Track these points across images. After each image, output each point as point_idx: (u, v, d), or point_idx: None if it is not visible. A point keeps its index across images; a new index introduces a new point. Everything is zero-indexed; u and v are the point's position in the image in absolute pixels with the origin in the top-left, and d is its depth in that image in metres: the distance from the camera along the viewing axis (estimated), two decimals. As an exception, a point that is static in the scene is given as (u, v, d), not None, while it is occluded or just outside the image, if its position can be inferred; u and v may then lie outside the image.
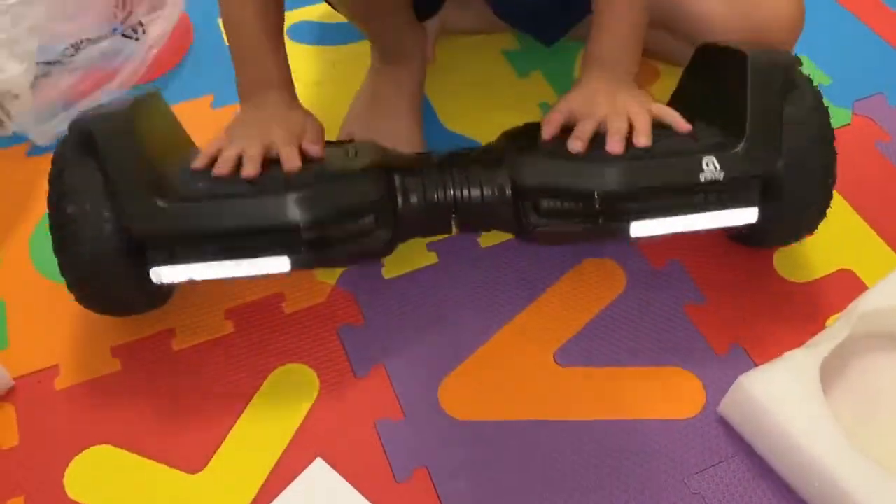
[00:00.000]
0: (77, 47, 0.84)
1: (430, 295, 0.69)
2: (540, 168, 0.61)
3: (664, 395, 0.63)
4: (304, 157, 0.62)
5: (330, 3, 0.79)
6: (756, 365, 0.63)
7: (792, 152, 0.59)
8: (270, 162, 0.61)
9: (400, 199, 0.63)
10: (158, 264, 0.59)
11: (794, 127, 0.60)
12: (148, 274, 0.60)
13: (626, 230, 0.60)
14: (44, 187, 0.80)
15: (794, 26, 0.76)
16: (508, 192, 0.62)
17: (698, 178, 0.57)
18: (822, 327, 0.66)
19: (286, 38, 0.90)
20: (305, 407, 0.63)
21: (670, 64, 0.84)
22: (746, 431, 0.59)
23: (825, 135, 0.62)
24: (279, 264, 0.59)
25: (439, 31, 0.88)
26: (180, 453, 0.60)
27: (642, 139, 0.59)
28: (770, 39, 0.77)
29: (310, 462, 0.59)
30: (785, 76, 0.61)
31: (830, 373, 0.59)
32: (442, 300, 0.69)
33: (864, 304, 0.61)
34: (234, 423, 0.62)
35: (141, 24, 0.87)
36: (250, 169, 0.59)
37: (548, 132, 0.63)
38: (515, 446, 0.60)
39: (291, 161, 0.60)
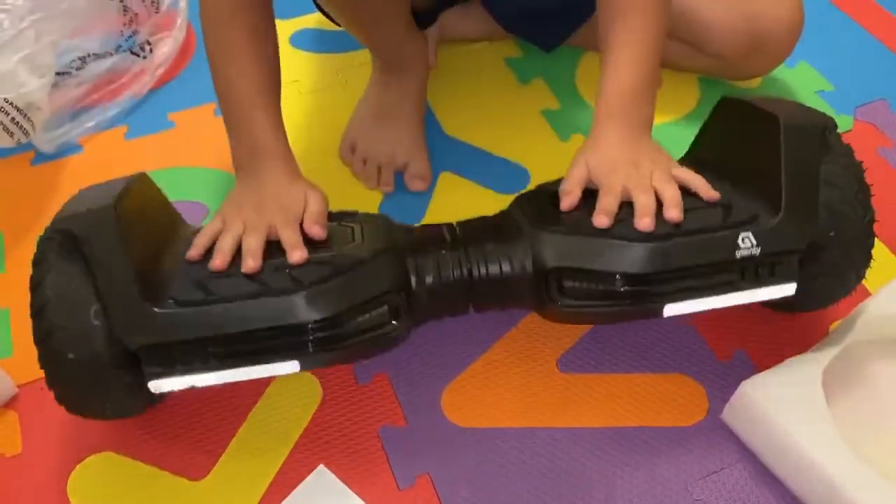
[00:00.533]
0: (84, 60, 0.86)
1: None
2: (564, 247, 0.55)
3: (667, 401, 0.63)
4: (306, 237, 0.57)
5: (327, 16, 0.79)
6: (759, 371, 0.63)
7: (831, 220, 0.56)
8: (270, 245, 0.56)
9: (414, 282, 0.57)
10: (157, 377, 0.53)
11: (831, 192, 0.56)
12: (144, 384, 0.54)
13: (659, 312, 0.55)
14: (49, 195, 0.80)
15: (794, 30, 0.76)
16: (529, 269, 0.57)
17: (734, 256, 0.54)
18: (825, 333, 0.66)
19: (288, 46, 0.92)
20: (308, 414, 0.63)
21: (668, 69, 0.84)
22: (749, 438, 0.59)
23: (863, 198, 0.58)
24: (287, 367, 0.53)
25: (440, 38, 0.88)
26: (183, 460, 0.60)
27: (673, 212, 0.54)
28: (769, 44, 0.77)
29: (312, 469, 0.59)
30: (820, 139, 0.57)
31: (833, 379, 0.59)
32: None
33: (866, 310, 0.61)
34: (237, 430, 0.62)
35: (149, 42, 0.88)
36: (251, 263, 0.54)
37: (567, 203, 0.57)
38: (518, 453, 0.60)
39: (295, 250, 0.55)
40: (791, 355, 0.61)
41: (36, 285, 0.54)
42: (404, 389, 0.64)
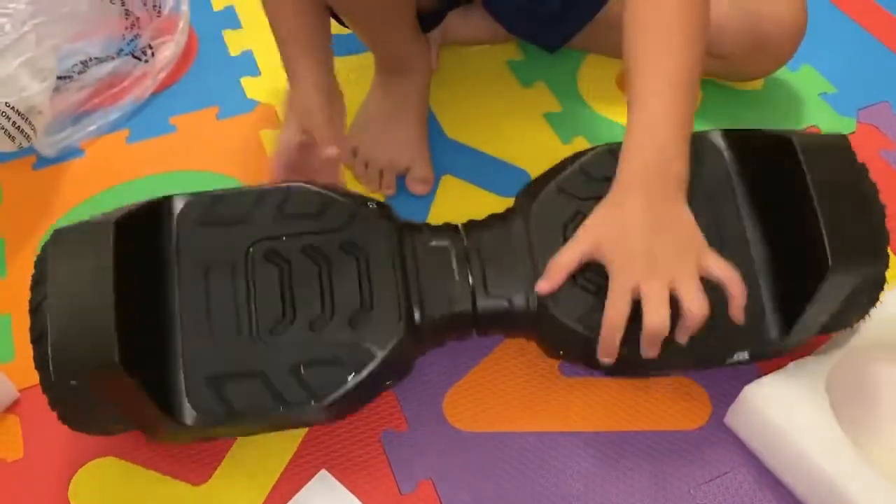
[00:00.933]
0: (86, 64, 0.86)
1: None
2: (566, 334, 0.56)
3: (670, 405, 0.62)
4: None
5: (334, 17, 0.79)
6: (761, 375, 0.63)
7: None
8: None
9: (418, 316, 0.57)
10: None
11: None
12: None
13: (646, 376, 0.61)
14: (51, 200, 0.80)
15: (797, 31, 0.76)
16: (534, 311, 0.57)
17: (723, 363, 0.57)
18: (827, 337, 0.65)
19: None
20: (310, 418, 0.63)
21: None
22: (752, 442, 0.59)
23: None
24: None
25: (442, 41, 0.88)
26: (184, 465, 0.60)
27: (682, 337, 0.52)
28: (772, 44, 0.77)
29: (315, 474, 0.59)
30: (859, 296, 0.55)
31: (836, 383, 0.59)
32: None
33: (869, 315, 0.60)
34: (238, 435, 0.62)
35: (150, 47, 0.88)
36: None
37: (543, 288, 0.54)
38: (520, 458, 0.60)
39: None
40: (794, 359, 0.60)
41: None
42: (406, 394, 0.64)
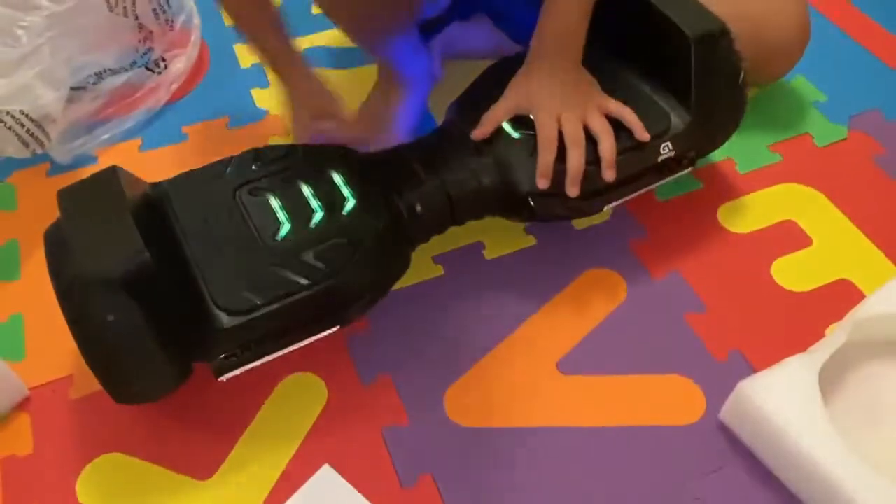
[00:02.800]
0: (100, 76, 0.88)
1: (436, 305, 0.70)
2: (531, 177, 0.65)
3: (665, 401, 0.64)
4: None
5: (333, 21, 0.82)
6: (755, 371, 0.64)
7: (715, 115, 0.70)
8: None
9: (406, 214, 0.66)
10: (227, 371, 0.59)
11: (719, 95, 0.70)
12: (185, 360, 0.60)
13: (601, 209, 0.69)
14: None
15: (801, 38, 0.78)
16: (501, 189, 0.67)
17: (657, 161, 0.68)
18: (820, 335, 0.67)
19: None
20: (313, 414, 0.64)
21: None
22: (747, 437, 0.60)
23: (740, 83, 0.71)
24: (329, 331, 0.63)
25: (445, 54, 0.90)
26: (190, 460, 0.62)
27: (609, 173, 0.65)
28: (777, 52, 0.78)
29: (317, 468, 0.60)
30: (716, 48, 0.69)
31: (829, 379, 0.60)
32: (447, 311, 0.70)
33: (861, 312, 0.62)
34: (244, 430, 0.63)
35: (163, 59, 0.91)
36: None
37: (478, 134, 0.67)
38: (519, 452, 0.61)
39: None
40: (787, 356, 0.61)
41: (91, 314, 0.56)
42: (407, 390, 0.65)
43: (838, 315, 0.67)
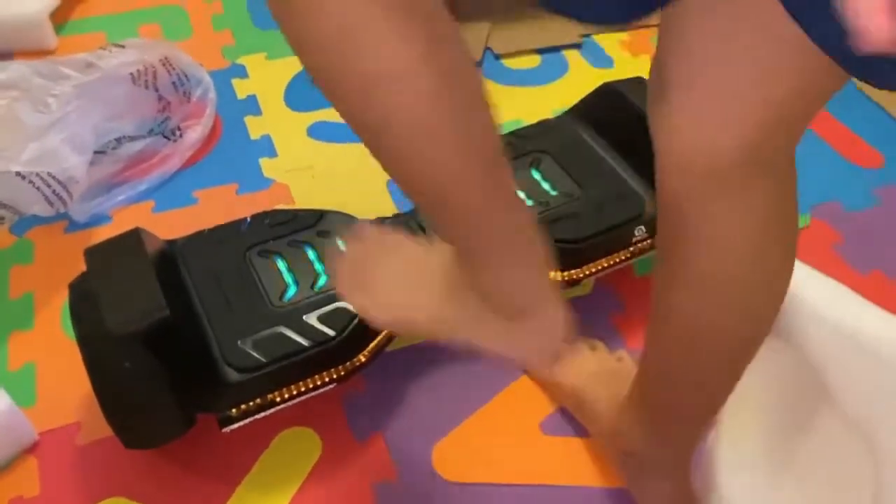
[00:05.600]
0: (119, 141, 0.93)
1: (428, 365, 0.75)
2: None
3: (639, 464, 0.68)
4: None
5: None
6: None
7: None
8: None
9: None
10: (231, 424, 0.62)
11: None
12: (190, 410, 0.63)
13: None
14: (79, 261, 0.86)
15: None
16: None
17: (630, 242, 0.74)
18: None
19: (305, 136, 1.01)
20: (307, 467, 0.67)
21: None
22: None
23: None
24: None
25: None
26: (190, 506, 0.65)
27: None
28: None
29: (310, 518, 0.64)
30: None
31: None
32: (439, 371, 0.74)
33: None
34: (242, 479, 0.67)
35: (179, 128, 0.97)
36: None
37: None
38: (502, 508, 0.65)
39: None
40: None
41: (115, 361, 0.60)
42: (397, 445, 0.69)
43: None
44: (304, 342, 0.63)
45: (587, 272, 0.73)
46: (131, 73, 0.94)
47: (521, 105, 1.06)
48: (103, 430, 0.68)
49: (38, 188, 0.81)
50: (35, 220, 0.88)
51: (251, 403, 0.63)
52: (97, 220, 0.90)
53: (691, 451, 0.57)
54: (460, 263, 0.50)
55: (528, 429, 0.70)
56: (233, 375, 0.61)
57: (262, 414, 0.64)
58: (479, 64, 1.13)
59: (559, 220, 0.73)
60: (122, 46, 0.98)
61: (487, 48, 1.16)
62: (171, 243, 0.71)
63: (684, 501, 0.60)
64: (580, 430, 0.70)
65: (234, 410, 0.62)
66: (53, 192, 0.83)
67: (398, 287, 0.54)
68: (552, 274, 0.69)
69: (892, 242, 0.87)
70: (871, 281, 0.83)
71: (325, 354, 0.64)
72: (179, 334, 0.61)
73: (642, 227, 0.73)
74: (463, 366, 0.75)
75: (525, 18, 1.20)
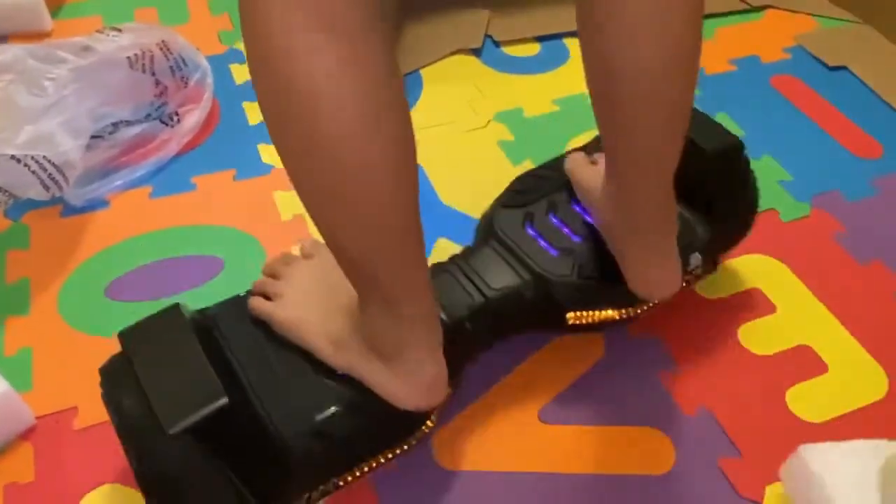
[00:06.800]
0: (116, 126, 0.93)
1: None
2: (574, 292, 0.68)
3: (638, 452, 0.68)
4: None
5: None
6: (722, 427, 0.69)
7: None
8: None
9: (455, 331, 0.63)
10: None
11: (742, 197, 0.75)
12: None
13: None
14: (75, 246, 0.86)
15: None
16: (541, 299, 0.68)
17: (688, 271, 0.70)
18: (782, 395, 0.72)
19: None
20: (306, 453, 0.67)
21: None
22: (798, 499, 0.62)
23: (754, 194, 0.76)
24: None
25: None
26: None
27: None
28: None
29: (309, 505, 0.64)
30: (741, 171, 0.74)
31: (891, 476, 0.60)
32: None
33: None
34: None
35: (177, 113, 0.96)
36: None
37: None
38: (503, 495, 0.65)
39: None
40: (752, 413, 0.66)
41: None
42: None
43: (799, 378, 0.73)
44: (369, 420, 0.58)
45: (647, 306, 0.70)
46: (128, 57, 0.94)
47: (521, 93, 1.06)
48: (100, 414, 0.68)
49: (33, 172, 0.80)
50: (31, 204, 0.88)
51: (316, 490, 0.58)
52: (94, 204, 0.89)
53: (665, 219, 0.62)
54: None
55: (526, 417, 0.70)
56: (300, 463, 0.55)
57: (324, 500, 0.60)
58: (479, 51, 1.13)
59: (603, 259, 0.68)
60: (119, 30, 0.97)
61: (487, 35, 1.15)
62: (201, 311, 0.63)
63: (671, 270, 0.65)
64: (579, 419, 0.70)
65: (297, 501, 0.57)
66: (49, 175, 0.82)
67: (310, 300, 0.61)
68: (613, 313, 0.69)
69: (892, 232, 0.87)
70: (871, 271, 0.83)
71: (393, 428, 0.59)
72: (240, 421, 0.53)
73: (698, 255, 0.70)
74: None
75: (525, 5, 1.20)
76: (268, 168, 0.94)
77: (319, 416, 0.57)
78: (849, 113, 1.03)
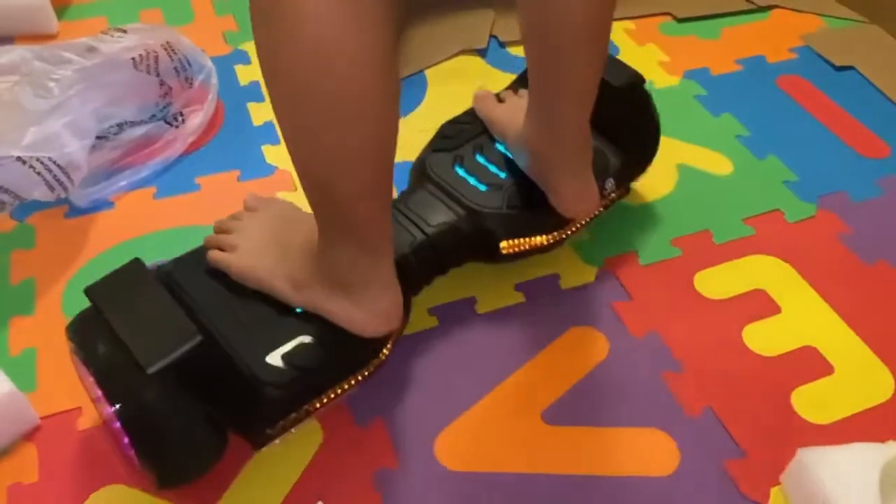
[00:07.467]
0: (121, 126, 0.93)
1: (430, 354, 0.74)
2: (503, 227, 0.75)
3: (642, 453, 0.67)
4: None
5: None
6: (726, 427, 0.68)
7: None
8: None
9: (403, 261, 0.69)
10: (266, 443, 0.62)
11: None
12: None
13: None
14: (80, 246, 0.86)
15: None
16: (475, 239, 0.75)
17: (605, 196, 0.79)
18: (787, 396, 0.71)
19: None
20: (309, 453, 0.67)
21: None
22: (797, 500, 0.62)
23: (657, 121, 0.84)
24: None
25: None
26: (191, 494, 0.64)
27: None
28: None
29: (312, 504, 0.64)
30: (644, 101, 0.82)
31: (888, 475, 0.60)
32: (440, 359, 0.74)
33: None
34: (243, 466, 0.66)
35: (181, 114, 0.97)
36: None
37: None
38: (505, 496, 0.65)
39: None
40: (755, 414, 0.65)
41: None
42: (399, 433, 0.68)
43: (804, 379, 0.72)
44: (331, 349, 0.62)
45: (572, 230, 0.79)
46: (133, 58, 0.94)
47: (526, 93, 1.06)
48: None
49: (38, 173, 0.80)
50: (36, 205, 0.88)
51: (288, 418, 0.62)
52: (98, 205, 0.89)
53: (585, 141, 0.70)
54: (319, 234, 0.59)
55: (529, 418, 0.70)
56: (270, 392, 0.59)
57: (295, 428, 0.64)
58: (484, 52, 1.13)
59: (529, 191, 0.75)
60: (124, 31, 0.97)
61: (492, 36, 1.15)
62: (158, 268, 0.67)
63: (591, 189, 0.74)
64: (582, 420, 0.70)
65: (271, 428, 0.61)
66: (54, 177, 0.83)
67: (264, 247, 0.65)
68: (542, 239, 0.77)
69: (899, 233, 0.87)
70: (878, 271, 0.83)
71: (352, 356, 0.64)
72: (210, 360, 0.58)
73: (612, 180, 0.78)
74: (465, 355, 0.75)
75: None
76: (272, 169, 0.94)
77: (285, 349, 0.61)
78: (855, 113, 1.03)
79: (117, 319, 0.56)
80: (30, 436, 0.68)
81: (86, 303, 0.78)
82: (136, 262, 0.61)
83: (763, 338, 0.76)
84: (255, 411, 0.60)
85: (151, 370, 0.54)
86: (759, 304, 0.80)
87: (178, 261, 0.68)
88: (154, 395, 0.56)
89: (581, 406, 0.71)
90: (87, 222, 0.88)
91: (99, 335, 0.58)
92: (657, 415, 0.70)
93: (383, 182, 0.56)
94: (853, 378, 0.73)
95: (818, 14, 1.20)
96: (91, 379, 0.59)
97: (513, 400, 0.71)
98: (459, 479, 0.66)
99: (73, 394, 0.71)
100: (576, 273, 0.82)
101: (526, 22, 0.64)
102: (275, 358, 0.61)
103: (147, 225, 0.87)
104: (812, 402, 0.71)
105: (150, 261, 0.82)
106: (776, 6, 1.22)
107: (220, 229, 0.70)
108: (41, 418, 0.69)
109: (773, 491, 0.65)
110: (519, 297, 0.80)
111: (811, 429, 0.69)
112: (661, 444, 0.68)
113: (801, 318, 0.78)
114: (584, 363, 0.74)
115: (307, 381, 0.62)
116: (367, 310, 0.61)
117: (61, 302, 0.79)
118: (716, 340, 0.76)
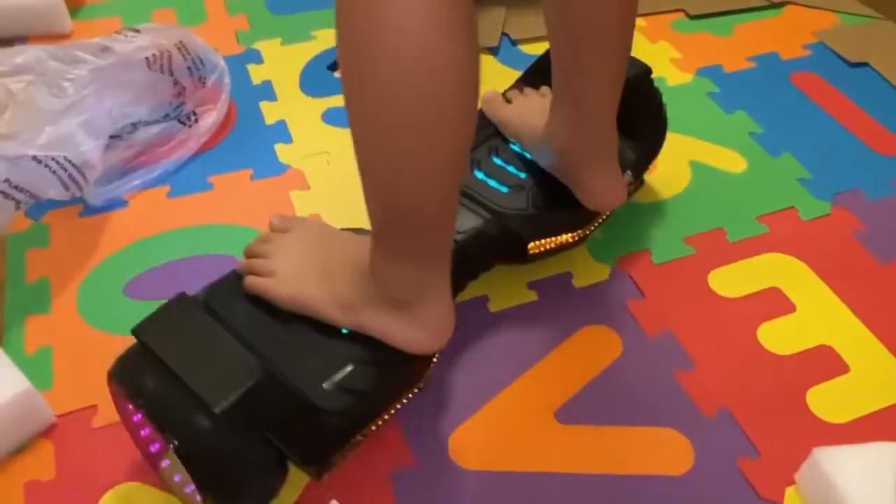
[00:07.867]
0: (135, 126, 0.93)
1: (444, 356, 0.74)
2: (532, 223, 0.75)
3: (656, 452, 0.67)
4: None
5: None
6: (742, 427, 0.68)
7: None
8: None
9: None
10: (328, 471, 0.61)
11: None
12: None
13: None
14: (94, 245, 0.86)
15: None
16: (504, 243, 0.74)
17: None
18: (802, 395, 0.71)
19: (321, 122, 1.01)
20: (323, 452, 0.67)
21: None
22: (813, 500, 0.62)
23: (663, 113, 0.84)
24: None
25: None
26: (205, 491, 0.65)
27: None
28: None
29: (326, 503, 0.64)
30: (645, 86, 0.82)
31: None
32: (454, 358, 0.74)
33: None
34: (258, 463, 0.67)
35: (194, 113, 0.97)
36: None
37: None
38: (519, 495, 0.65)
39: None
40: (772, 414, 0.65)
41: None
42: (414, 433, 0.69)
43: (819, 378, 0.72)
44: (385, 369, 0.61)
45: (596, 224, 0.79)
46: (146, 58, 0.94)
47: (538, 91, 1.05)
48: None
49: (53, 172, 0.81)
50: (51, 203, 0.89)
51: (349, 443, 0.61)
52: (112, 204, 0.90)
53: (613, 134, 0.71)
54: (374, 252, 0.57)
55: (543, 417, 0.70)
56: (332, 421, 0.58)
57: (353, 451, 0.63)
58: (496, 50, 1.13)
59: (551, 189, 0.75)
60: (138, 31, 0.98)
61: (504, 34, 1.15)
62: (194, 299, 0.63)
63: (619, 181, 0.74)
64: (595, 419, 0.70)
65: (334, 457, 0.60)
66: (69, 176, 0.83)
67: (305, 271, 0.63)
68: (569, 236, 0.77)
69: (915, 232, 0.86)
70: (894, 270, 0.82)
71: (407, 374, 0.63)
72: (269, 393, 0.55)
73: (629, 172, 0.78)
74: (478, 353, 0.75)
75: (541, 4, 1.19)
76: (284, 168, 0.95)
77: (340, 375, 0.59)
78: (870, 110, 1.02)
79: (172, 358, 0.54)
80: (46, 433, 0.69)
81: (101, 301, 0.80)
82: (183, 297, 0.59)
83: (778, 336, 0.76)
84: (320, 441, 0.58)
85: (218, 409, 0.51)
86: (774, 303, 0.79)
87: (211, 288, 0.65)
88: (219, 433, 0.53)
89: (594, 405, 0.71)
90: (102, 221, 0.88)
91: (147, 372, 0.55)
92: (671, 414, 0.70)
93: (456, 188, 0.54)
94: (869, 377, 0.72)
95: (832, 10, 1.20)
96: (147, 430, 0.58)
97: (526, 399, 0.71)
98: (473, 477, 0.66)
99: (88, 392, 0.71)
100: (589, 271, 0.82)
101: (553, 14, 0.65)
102: (331, 385, 0.59)
103: (161, 224, 0.88)
104: (827, 401, 0.70)
105: (164, 259, 0.84)
106: (789, 2, 1.21)
107: (252, 254, 0.67)
108: (57, 416, 0.70)
109: (788, 491, 0.64)
110: (532, 296, 0.80)
111: (826, 428, 0.68)
112: (676, 443, 0.68)
113: (816, 316, 0.78)
114: (597, 362, 0.74)
115: (365, 404, 0.60)
116: (422, 327, 0.59)
117: (76, 300, 0.80)
118: (730, 339, 0.76)
